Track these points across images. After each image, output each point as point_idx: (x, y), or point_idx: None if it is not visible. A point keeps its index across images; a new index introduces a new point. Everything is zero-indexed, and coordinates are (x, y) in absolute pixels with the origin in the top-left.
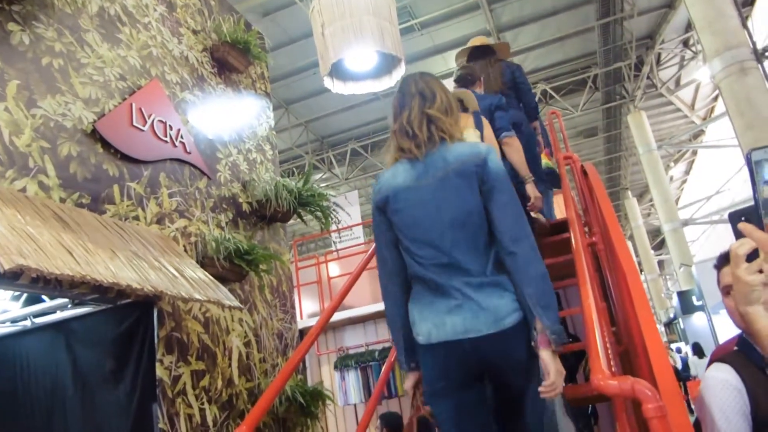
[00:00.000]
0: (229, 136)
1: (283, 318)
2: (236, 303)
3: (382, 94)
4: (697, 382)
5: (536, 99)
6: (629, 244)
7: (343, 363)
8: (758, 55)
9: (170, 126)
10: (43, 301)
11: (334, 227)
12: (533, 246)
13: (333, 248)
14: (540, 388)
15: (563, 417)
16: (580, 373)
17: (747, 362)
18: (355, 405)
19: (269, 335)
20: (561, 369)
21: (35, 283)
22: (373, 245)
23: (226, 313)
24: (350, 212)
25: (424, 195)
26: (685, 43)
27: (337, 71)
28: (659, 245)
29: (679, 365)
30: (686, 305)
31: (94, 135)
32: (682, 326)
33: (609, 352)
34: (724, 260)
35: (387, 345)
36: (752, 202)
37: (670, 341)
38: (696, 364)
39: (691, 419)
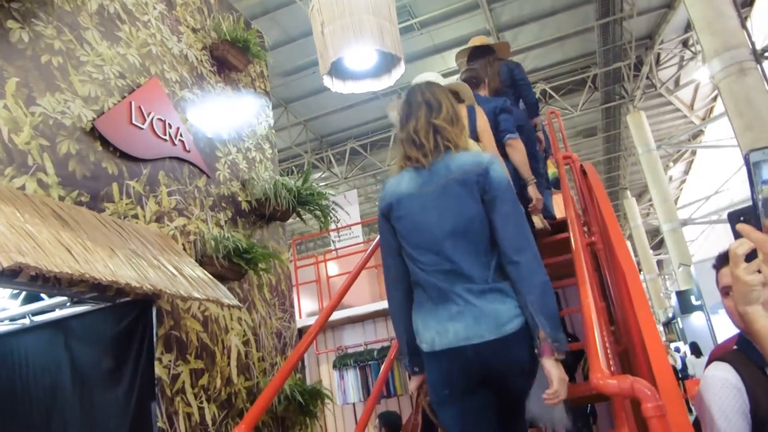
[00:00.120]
0: (228, 134)
1: (281, 317)
2: (235, 302)
3: (381, 93)
4: (694, 381)
5: (535, 95)
6: (628, 243)
7: (341, 362)
8: (757, 56)
9: (169, 124)
10: (41, 299)
11: (333, 226)
12: (536, 255)
13: (332, 247)
14: (543, 396)
15: (558, 407)
16: (579, 373)
17: (747, 361)
18: (353, 404)
19: (268, 334)
20: (564, 377)
21: (34, 281)
22: (372, 244)
23: (225, 312)
24: (349, 211)
25: (427, 202)
26: (685, 44)
27: (337, 70)
28: (658, 245)
29: (679, 365)
30: (685, 305)
31: (94, 133)
32: (680, 326)
33: (608, 351)
34: (722, 261)
35: (386, 344)
36: (751, 202)
37: (669, 341)
38: (694, 364)
39: (690, 418)
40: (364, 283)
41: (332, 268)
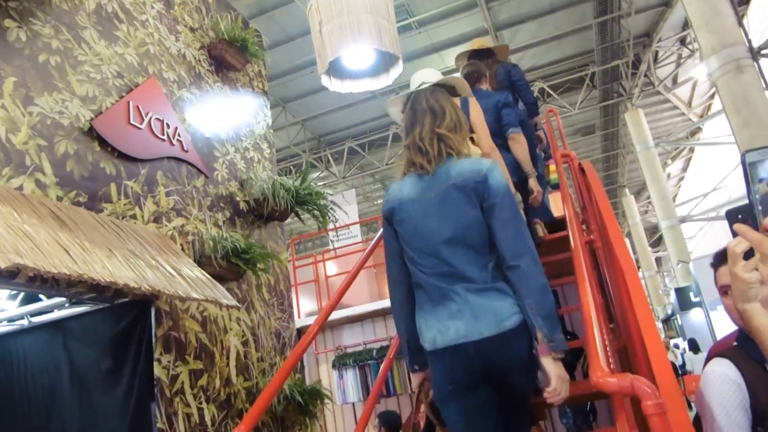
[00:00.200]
0: (226, 134)
1: (280, 317)
2: (234, 302)
3: (379, 92)
4: (693, 377)
5: (534, 95)
6: (627, 241)
7: (341, 362)
8: (754, 53)
9: (167, 124)
10: (40, 300)
11: (331, 226)
12: (535, 259)
13: (330, 247)
14: (544, 394)
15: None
16: (578, 371)
17: (746, 357)
18: (353, 404)
19: (267, 334)
20: (563, 375)
21: (32, 282)
22: (371, 243)
23: (223, 312)
24: (347, 211)
25: (427, 207)
26: (682, 41)
27: (335, 69)
28: (657, 242)
29: (680, 362)
30: (684, 301)
31: (91, 133)
32: (679, 322)
33: (608, 349)
34: (720, 260)
35: (385, 344)
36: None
37: (669, 337)
38: (692, 360)
39: (690, 415)
40: (363, 282)
41: (331, 267)
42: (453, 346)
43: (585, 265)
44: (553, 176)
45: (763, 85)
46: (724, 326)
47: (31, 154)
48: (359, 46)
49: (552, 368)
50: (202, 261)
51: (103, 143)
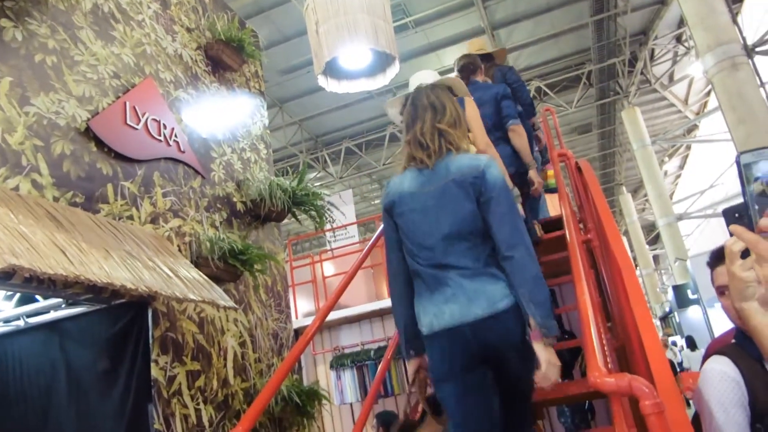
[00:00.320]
0: (223, 134)
1: (278, 318)
2: (231, 303)
3: (376, 92)
4: (689, 374)
5: (530, 95)
6: (624, 239)
7: (338, 362)
8: (748, 51)
9: (164, 125)
10: (36, 300)
11: (328, 226)
12: (529, 250)
13: (328, 247)
14: (534, 378)
15: None
16: (576, 370)
17: (745, 355)
18: (351, 404)
19: (264, 335)
20: (554, 360)
21: (28, 283)
22: (368, 244)
23: (220, 313)
24: (345, 211)
25: (426, 201)
26: (678, 39)
27: (332, 69)
28: (654, 240)
29: (678, 359)
30: (681, 299)
31: (88, 133)
32: (677, 320)
33: (605, 348)
34: (716, 259)
35: (383, 344)
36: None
37: (667, 335)
38: (689, 357)
39: (688, 412)
40: (361, 283)
41: (328, 268)
42: (449, 329)
43: (582, 263)
44: (551, 181)
45: (758, 82)
46: (722, 323)
47: (28, 154)
48: (356, 46)
49: (543, 353)
50: (199, 262)
51: (100, 144)
